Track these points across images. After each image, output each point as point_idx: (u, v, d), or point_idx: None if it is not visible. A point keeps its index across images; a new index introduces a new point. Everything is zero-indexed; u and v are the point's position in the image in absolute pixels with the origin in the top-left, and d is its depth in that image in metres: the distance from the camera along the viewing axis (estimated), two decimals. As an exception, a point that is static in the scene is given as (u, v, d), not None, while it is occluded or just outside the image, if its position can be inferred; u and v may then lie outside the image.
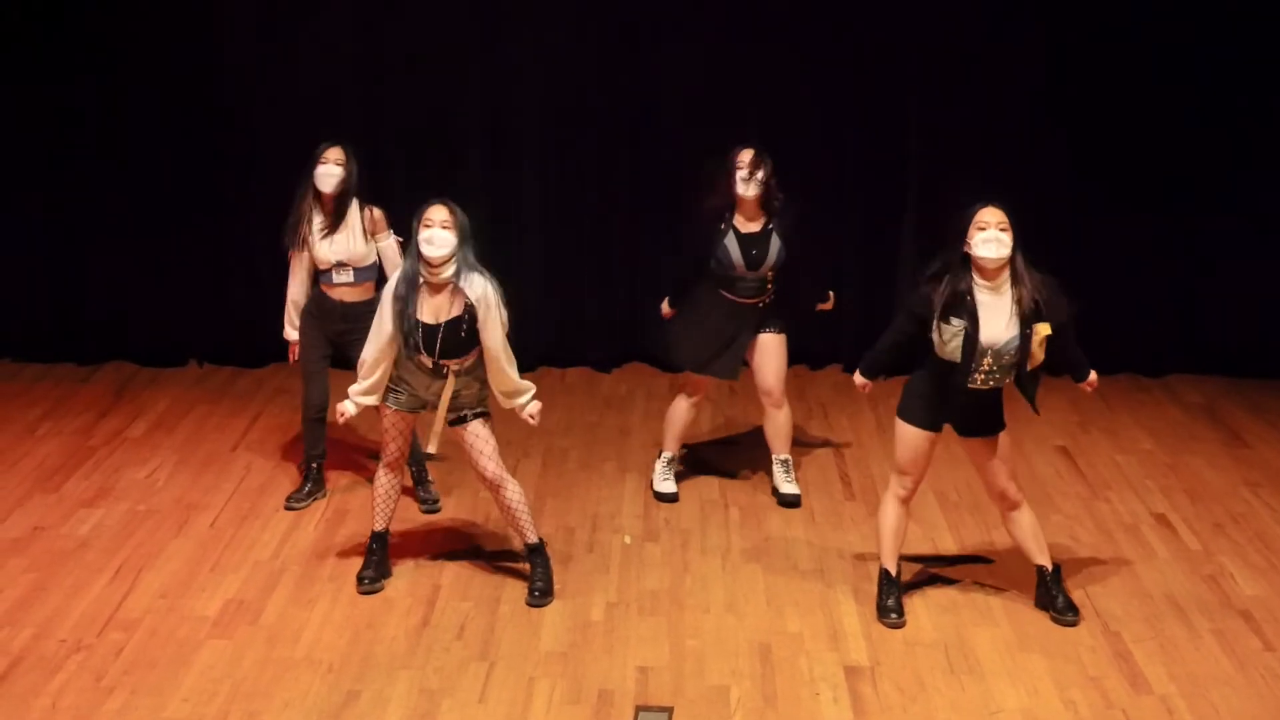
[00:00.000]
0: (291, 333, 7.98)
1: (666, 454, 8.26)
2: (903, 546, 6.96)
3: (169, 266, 10.19)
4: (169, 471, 8.49)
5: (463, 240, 6.72)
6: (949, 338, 6.52)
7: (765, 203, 7.81)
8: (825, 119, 10.01)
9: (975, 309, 6.48)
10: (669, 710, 6.08)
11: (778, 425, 8.14)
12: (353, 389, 6.97)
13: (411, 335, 6.75)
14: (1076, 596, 7.01)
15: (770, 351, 8.03)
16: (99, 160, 10.07)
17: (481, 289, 6.74)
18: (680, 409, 8.21)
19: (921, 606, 6.94)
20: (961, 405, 6.66)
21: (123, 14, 9.92)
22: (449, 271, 6.73)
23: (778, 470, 8.19)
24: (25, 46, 9.96)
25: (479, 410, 6.97)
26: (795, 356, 10.03)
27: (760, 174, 7.73)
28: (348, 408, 6.97)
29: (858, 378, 7.00)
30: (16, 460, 8.62)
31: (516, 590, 7.09)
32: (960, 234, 6.49)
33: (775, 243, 7.83)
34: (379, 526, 7.16)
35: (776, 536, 7.71)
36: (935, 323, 6.53)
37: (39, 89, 9.99)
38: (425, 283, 6.74)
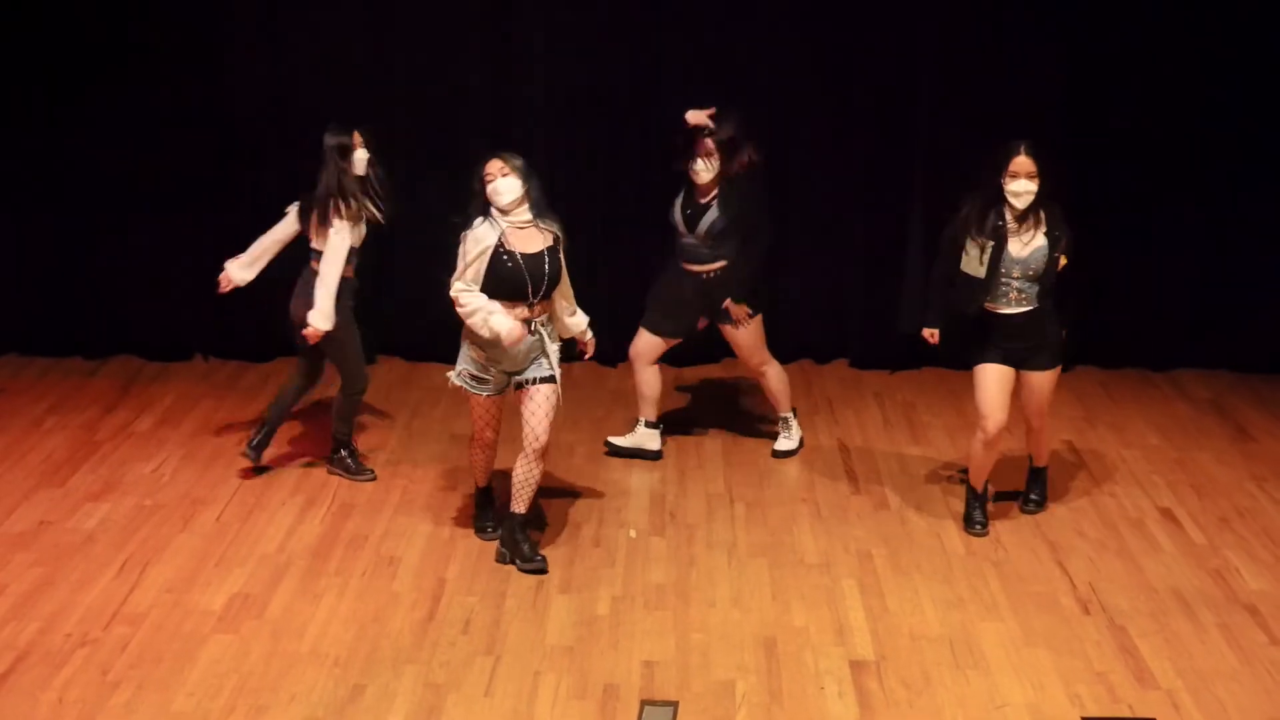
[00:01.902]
0: (239, 272, 8.11)
1: (646, 418, 8.64)
2: (989, 472, 7.63)
3: (175, 261, 10.18)
4: (175, 466, 8.49)
5: (526, 180, 7.08)
6: (977, 254, 7.27)
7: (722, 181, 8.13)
8: (833, 113, 9.98)
9: (1004, 231, 7.27)
10: (674, 705, 6.08)
11: (768, 388, 8.61)
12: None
13: (514, 275, 7.00)
14: (1082, 591, 7.01)
15: (735, 338, 8.42)
16: (105, 154, 10.06)
17: (556, 223, 7.20)
18: (646, 376, 8.55)
19: (927, 601, 6.94)
20: (1005, 333, 7.34)
21: (125, 9, 9.91)
22: (525, 213, 7.09)
23: (780, 428, 8.66)
24: (28, 42, 9.95)
25: (550, 374, 7.20)
26: (800, 352, 10.07)
27: (714, 161, 8.04)
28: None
29: (925, 332, 7.68)
30: (23, 454, 8.63)
31: (522, 584, 7.10)
32: (996, 171, 7.27)
33: (714, 210, 8.09)
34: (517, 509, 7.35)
35: (782, 530, 7.70)
36: (967, 240, 7.31)
37: (43, 82, 9.99)
38: (510, 229, 7.05)
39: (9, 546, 7.46)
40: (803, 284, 10.00)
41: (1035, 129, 9.76)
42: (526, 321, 7.08)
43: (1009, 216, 7.30)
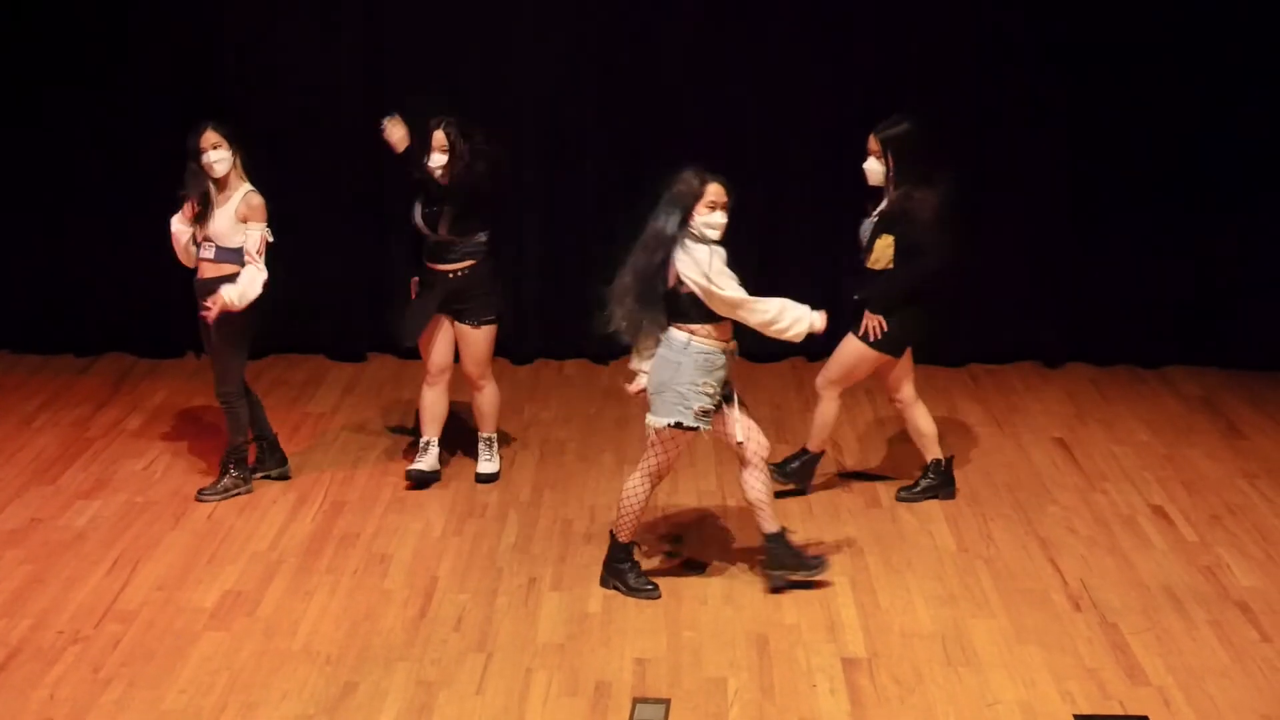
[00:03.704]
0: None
1: (427, 438, 8.25)
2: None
3: (167, 258, 10.15)
4: (166, 463, 8.49)
5: None
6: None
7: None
8: (827, 111, 9.98)
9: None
10: (666, 702, 6.08)
11: (479, 405, 8.27)
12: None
13: None
14: (1073, 587, 7.02)
15: (466, 340, 8.08)
16: (97, 152, 10.06)
17: None
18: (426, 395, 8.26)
19: (919, 598, 6.95)
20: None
21: (123, 7, 9.90)
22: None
23: (483, 448, 8.34)
24: (24, 40, 9.94)
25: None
26: (791, 349, 10.06)
27: (447, 160, 7.81)
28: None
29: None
30: (14, 452, 8.62)
31: (513, 582, 7.10)
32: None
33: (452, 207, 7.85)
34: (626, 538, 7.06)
35: (774, 528, 7.70)
36: None
37: (38, 81, 9.98)
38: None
39: (0, 544, 7.45)
40: (794, 282, 9.98)
41: (1032, 127, 9.88)
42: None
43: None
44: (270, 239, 7.82)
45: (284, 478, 8.18)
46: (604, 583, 7.03)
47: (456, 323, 8.06)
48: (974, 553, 7.41)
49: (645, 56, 9.99)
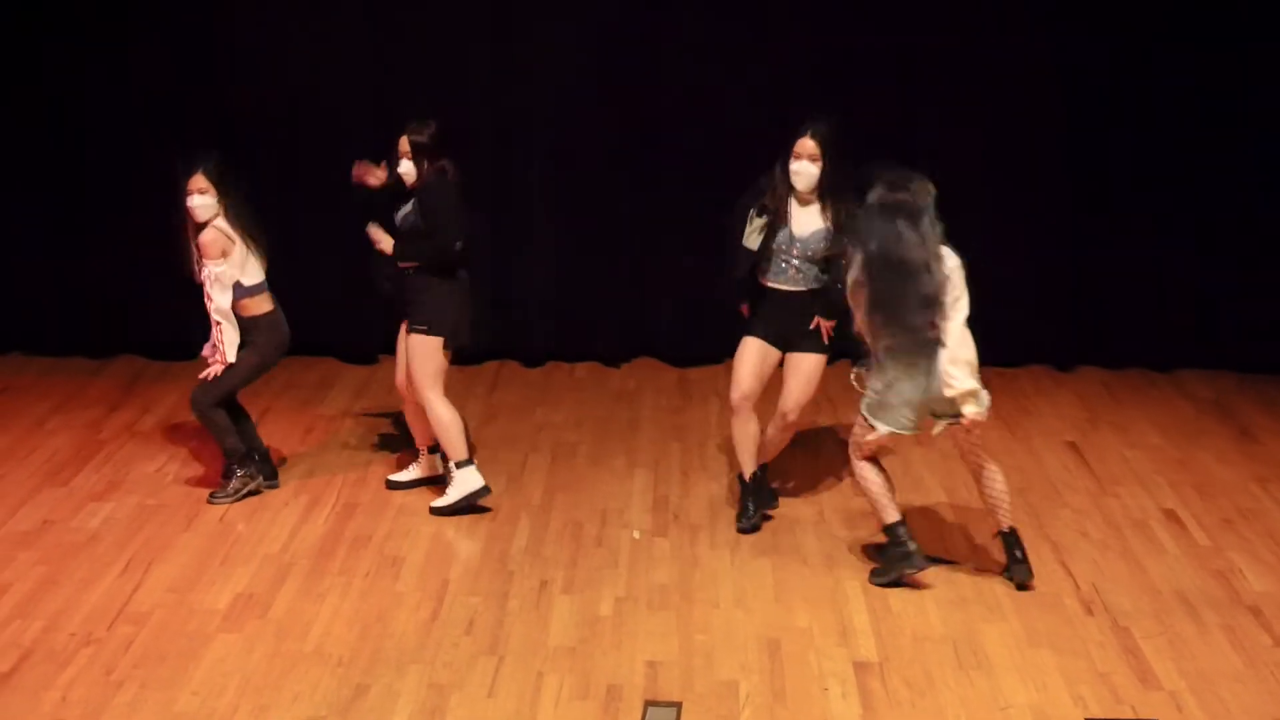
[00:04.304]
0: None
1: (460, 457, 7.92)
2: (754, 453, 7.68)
3: (178, 260, 10.18)
4: (179, 465, 8.50)
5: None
6: (757, 229, 7.35)
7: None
8: (837, 113, 9.96)
9: (787, 209, 7.37)
10: (678, 705, 6.08)
11: (413, 418, 8.06)
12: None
13: None
14: (1085, 591, 7.01)
15: (408, 344, 7.85)
16: (108, 154, 10.08)
17: None
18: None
19: (931, 602, 6.94)
20: (776, 312, 7.46)
21: (133, 11, 9.92)
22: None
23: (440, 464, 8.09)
24: (33, 42, 9.96)
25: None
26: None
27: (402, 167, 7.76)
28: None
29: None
30: (27, 454, 8.64)
31: (525, 585, 7.10)
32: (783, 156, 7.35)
33: (411, 210, 7.77)
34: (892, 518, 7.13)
35: (785, 531, 7.70)
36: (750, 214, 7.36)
37: (48, 84, 10.00)
38: None
39: (13, 545, 7.47)
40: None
41: (1040, 129, 9.87)
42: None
43: (792, 196, 7.38)
44: (216, 275, 7.78)
45: (273, 489, 8.16)
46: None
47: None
48: (985, 556, 7.40)
49: (656, 56, 9.98)
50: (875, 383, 6.92)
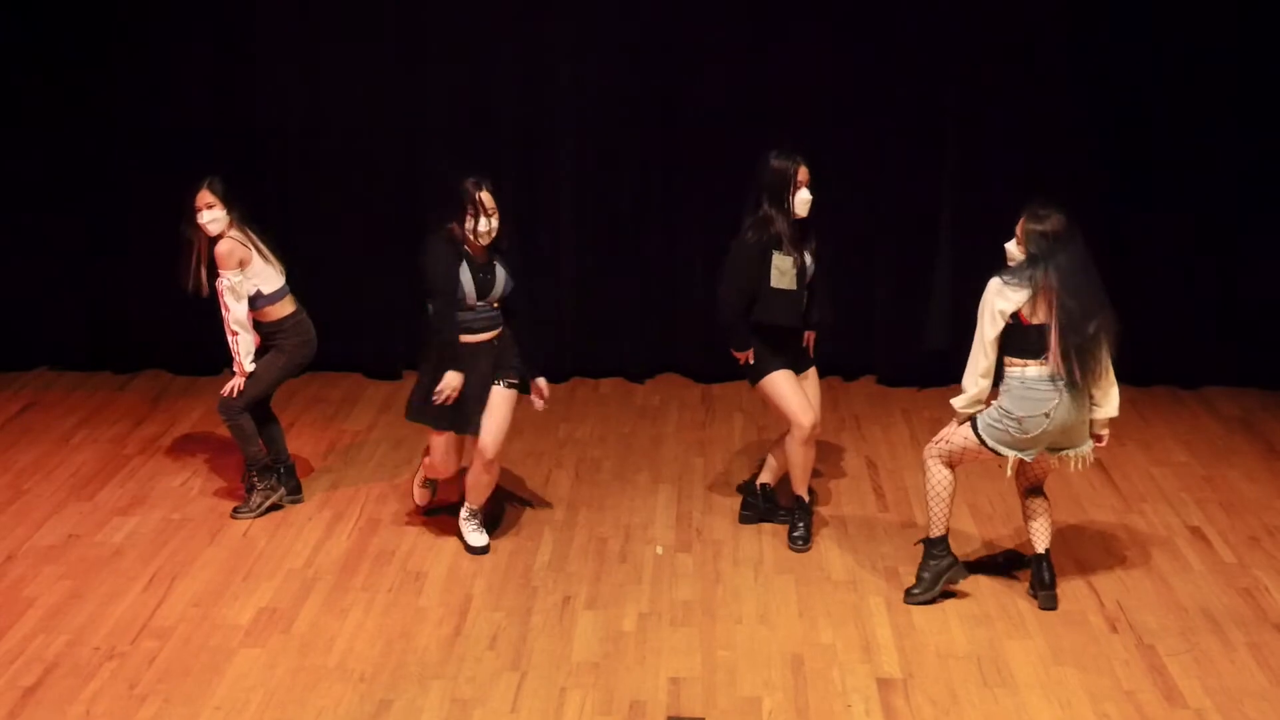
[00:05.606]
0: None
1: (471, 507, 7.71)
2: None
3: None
4: (203, 480, 8.52)
5: None
6: (787, 269, 7.43)
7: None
8: (862, 131, 9.97)
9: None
10: (701, 721, 6.09)
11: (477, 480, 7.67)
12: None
13: None
14: (1110, 609, 6.98)
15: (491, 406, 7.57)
16: (135, 170, 10.12)
17: None
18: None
19: (954, 618, 6.92)
20: (786, 339, 7.60)
21: (164, 28, 9.97)
22: None
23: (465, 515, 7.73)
24: (66, 56, 10.01)
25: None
26: (828, 369, 10.03)
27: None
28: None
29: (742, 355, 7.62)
30: (53, 468, 8.67)
31: (548, 600, 7.10)
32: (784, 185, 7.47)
33: (501, 272, 7.38)
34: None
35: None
36: (775, 255, 7.42)
37: (78, 99, 10.05)
38: None
39: (38, 559, 7.49)
40: (831, 301, 9.98)
41: (1067, 146, 9.84)
42: None
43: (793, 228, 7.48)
44: (231, 285, 7.77)
45: (296, 503, 8.19)
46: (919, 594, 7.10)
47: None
48: (1010, 573, 7.37)
49: (682, 78, 9.98)
50: (1014, 408, 6.82)
